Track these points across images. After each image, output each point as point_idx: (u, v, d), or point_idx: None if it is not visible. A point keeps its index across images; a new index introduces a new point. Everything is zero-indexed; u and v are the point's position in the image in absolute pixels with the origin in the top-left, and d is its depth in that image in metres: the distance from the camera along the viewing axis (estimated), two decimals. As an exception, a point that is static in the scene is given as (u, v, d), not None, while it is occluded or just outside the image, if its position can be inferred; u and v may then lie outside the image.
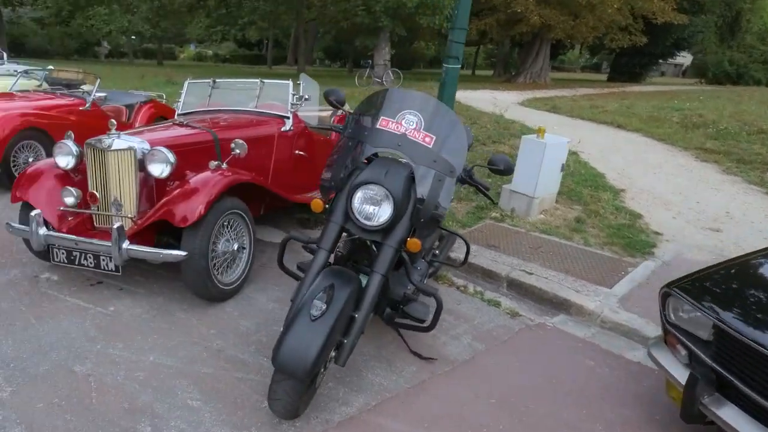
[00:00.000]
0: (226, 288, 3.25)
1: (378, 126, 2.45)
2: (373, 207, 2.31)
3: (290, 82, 4.34)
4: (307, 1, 21.56)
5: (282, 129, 4.19)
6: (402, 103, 2.50)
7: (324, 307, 2.07)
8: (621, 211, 5.18)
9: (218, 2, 21.32)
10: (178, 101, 4.55)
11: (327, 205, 2.45)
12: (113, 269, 3.05)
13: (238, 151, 3.33)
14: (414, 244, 2.30)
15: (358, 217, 2.32)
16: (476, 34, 23.77)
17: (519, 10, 20.09)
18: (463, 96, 15.41)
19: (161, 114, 7.24)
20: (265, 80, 4.44)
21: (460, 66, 5.01)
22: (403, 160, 2.47)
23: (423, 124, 2.43)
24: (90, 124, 6.06)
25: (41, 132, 5.36)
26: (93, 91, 6.18)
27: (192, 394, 2.43)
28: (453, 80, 5.01)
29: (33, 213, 3.07)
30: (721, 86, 28.86)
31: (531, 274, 3.83)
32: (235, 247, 3.30)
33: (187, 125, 3.71)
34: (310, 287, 2.19)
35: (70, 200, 3.21)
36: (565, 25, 21.39)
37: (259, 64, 38.59)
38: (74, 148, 3.35)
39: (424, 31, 22.44)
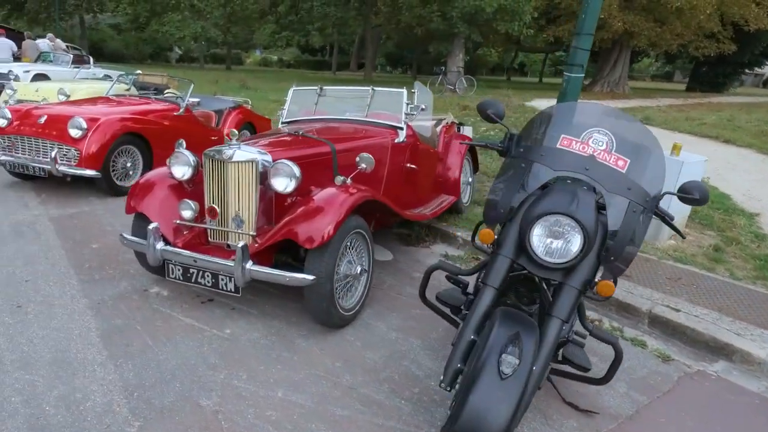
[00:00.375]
0: (346, 314, 2.98)
1: (558, 146, 2.09)
2: (556, 241, 1.95)
3: (405, 91, 4.05)
4: (375, 7, 21.52)
5: (395, 141, 3.91)
6: (586, 118, 2.14)
7: (516, 362, 1.72)
8: (764, 240, 4.56)
9: (289, 8, 21.59)
10: (283, 109, 4.36)
11: (497, 235, 2.11)
12: (232, 290, 2.84)
13: (364, 165, 3.06)
14: (607, 287, 1.93)
15: (536, 252, 1.97)
16: (542, 41, 22.95)
17: (602, 17, 19.11)
18: (547, 105, 14.80)
19: (249, 120, 7.19)
20: (376, 88, 4.18)
21: (583, 75, 4.58)
22: (584, 186, 2.10)
23: (614, 144, 2.05)
24: (184, 130, 6.04)
25: (139, 137, 5.33)
26: (187, 96, 6.14)
27: (332, 443, 2.15)
28: (575, 90, 4.57)
29: (151, 226, 2.90)
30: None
31: (678, 310, 3.34)
32: (358, 270, 3.02)
33: (302, 136, 3.48)
34: (491, 336, 1.84)
35: (187, 214, 3.03)
36: (650, 32, 20.21)
37: (322, 69, 39.13)
38: (191, 158, 3.18)
39: (496, 38, 21.82)
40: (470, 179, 5.26)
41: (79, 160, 4.85)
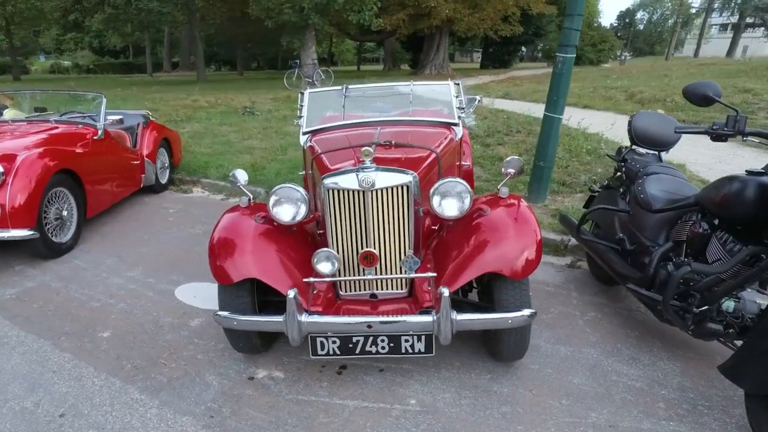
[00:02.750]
0: (523, 342, 2.58)
1: None
2: None
3: (451, 83, 3.65)
4: (194, 3, 19.71)
5: (455, 139, 3.49)
6: None
7: None
8: None
9: (96, 4, 18.46)
10: (301, 116, 3.60)
11: None
12: (421, 350, 2.22)
13: (512, 170, 2.63)
14: None
15: None
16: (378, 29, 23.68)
17: (433, 5, 20.41)
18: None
19: (164, 136, 5.95)
20: (416, 83, 3.69)
21: (575, 55, 4.68)
22: None
23: None
24: (108, 156, 4.75)
25: (69, 174, 3.96)
26: (101, 114, 4.77)
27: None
28: (569, 71, 4.68)
29: (291, 295, 2.11)
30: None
31: None
32: (528, 290, 2.61)
33: (398, 145, 2.88)
34: None
35: (327, 267, 2.26)
36: (470, 18, 22.18)
37: (132, 72, 34.48)
38: (303, 192, 2.40)
39: (342, 28, 21.66)
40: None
41: (2, 219, 3.41)
